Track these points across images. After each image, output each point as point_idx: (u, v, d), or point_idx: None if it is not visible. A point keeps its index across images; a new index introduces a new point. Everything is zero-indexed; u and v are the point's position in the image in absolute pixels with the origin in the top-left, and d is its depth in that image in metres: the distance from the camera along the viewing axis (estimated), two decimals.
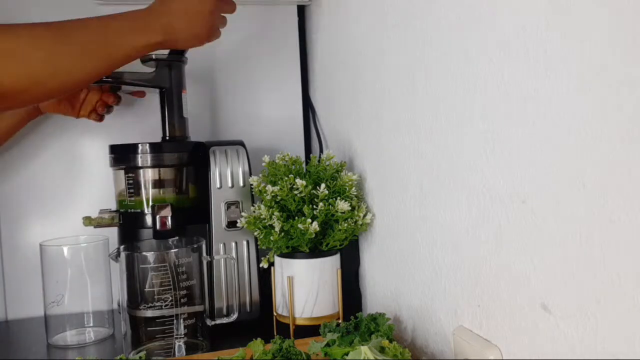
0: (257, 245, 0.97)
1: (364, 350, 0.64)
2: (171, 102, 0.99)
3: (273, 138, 1.19)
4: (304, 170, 0.93)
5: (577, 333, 0.50)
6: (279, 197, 0.89)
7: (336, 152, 1.04)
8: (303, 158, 1.12)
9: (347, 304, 0.90)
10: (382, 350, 0.66)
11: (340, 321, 0.84)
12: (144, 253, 0.84)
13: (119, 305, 0.96)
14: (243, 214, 0.92)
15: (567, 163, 0.50)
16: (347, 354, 0.66)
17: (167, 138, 1.00)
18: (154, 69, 0.98)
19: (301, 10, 1.21)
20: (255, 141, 1.18)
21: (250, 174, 0.97)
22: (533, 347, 0.56)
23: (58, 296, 0.95)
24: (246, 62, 1.18)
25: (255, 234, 0.90)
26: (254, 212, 0.90)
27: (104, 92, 1.05)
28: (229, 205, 0.96)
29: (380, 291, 0.92)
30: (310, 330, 0.85)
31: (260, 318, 0.97)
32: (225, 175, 0.96)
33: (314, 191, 0.89)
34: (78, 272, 0.96)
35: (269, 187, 0.88)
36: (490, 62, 0.59)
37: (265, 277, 0.96)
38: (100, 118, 1.07)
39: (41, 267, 0.96)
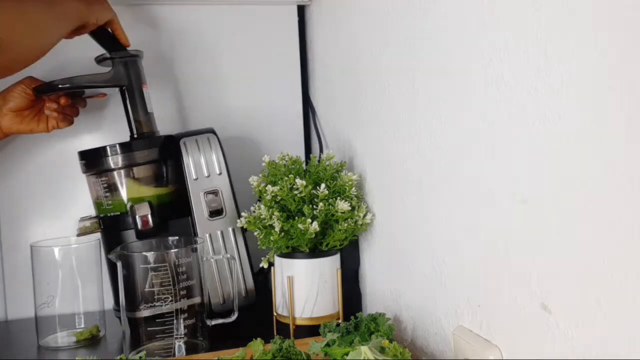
0: (243, 232, 0.96)
1: (364, 350, 0.64)
2: (133, 99, 0.98)
3: (273, 138, 1.19)
4: (304, 170, 0.93)
5: (577, 333, 0.50)
6: (279, 197, 0.89)
7: (336, 152, 1.04)
8: (303, 158, 1.12)
9: (347, 304, 0.90)
10: (382, 350, 0.66)
11: (340, 321, 0.84)
12: (144, 253, 0.84)
13: (117, 309, 0.96)
14: (243, 214, 0.92)
15: (567, 163, 0.50)
16: (347, 354, 0.66)
17: (136, 136, 0.99)
18: (110, 67, 0.97)
19: (301, 10, 1.21)
20: (255, 140, 1.18)
21: (226, 162, 0.96)
22: (533, 347, 0.56)
23: (49, 297, 0.94)
24: (246, 62, 1.18)
25: (256, 234, 0.90)
26: (254, 212, 0.90)
27: (60, 98, 0.99)
28: (207, 194, 0.95)
29: (380, 291, 0.92)
30: (310, 330, 0.85)
31: (257, 304, 0.96)
32: (200, 165, 0.95)
33: (314, 191, 0.89)
34: (69, 274, 0.94)
35: (269, 187, 0.88)
36: (490, 62, 0.59)
37: (256, 265, 0.96)
38: (69, 122, 1.02)
39: (32, 268, 0.94)
